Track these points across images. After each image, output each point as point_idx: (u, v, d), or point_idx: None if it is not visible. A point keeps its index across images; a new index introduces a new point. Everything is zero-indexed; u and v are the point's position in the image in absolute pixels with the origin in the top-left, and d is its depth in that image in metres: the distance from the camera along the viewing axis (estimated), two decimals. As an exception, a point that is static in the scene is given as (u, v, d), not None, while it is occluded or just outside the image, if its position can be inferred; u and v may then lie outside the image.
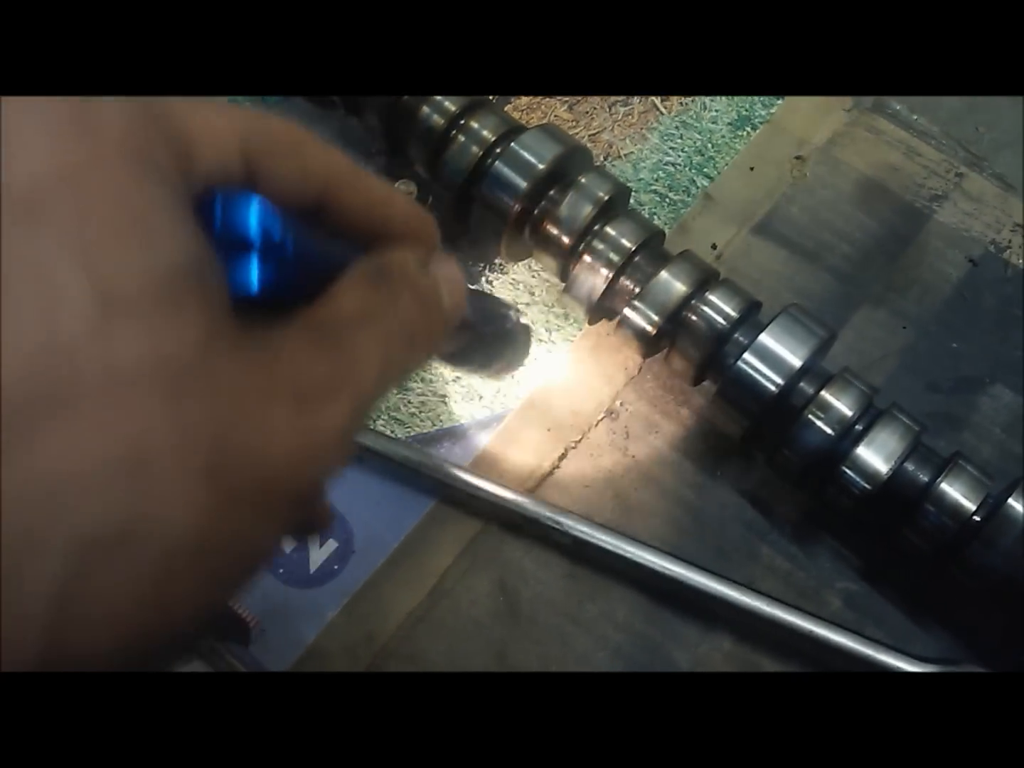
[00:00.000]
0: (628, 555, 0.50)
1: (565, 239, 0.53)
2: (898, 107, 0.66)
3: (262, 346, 0.22)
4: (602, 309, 0.54)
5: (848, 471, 0.48)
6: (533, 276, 0.60)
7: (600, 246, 0.52)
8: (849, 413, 0.48)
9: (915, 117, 0.65)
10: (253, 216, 0.23)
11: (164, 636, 0.20)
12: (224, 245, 0.23)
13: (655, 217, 0.61)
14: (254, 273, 0.23)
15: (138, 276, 0.20)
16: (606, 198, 0.53)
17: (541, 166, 0.52)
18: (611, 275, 0.52)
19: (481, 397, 0.56)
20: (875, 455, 0.47)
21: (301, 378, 0.22)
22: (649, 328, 0.51)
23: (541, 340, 0.58)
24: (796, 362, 0.48)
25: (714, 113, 0.65)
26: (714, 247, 0.61)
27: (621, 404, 0.56)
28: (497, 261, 0.60)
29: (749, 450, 0.54)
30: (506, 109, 0.65)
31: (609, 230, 0.53)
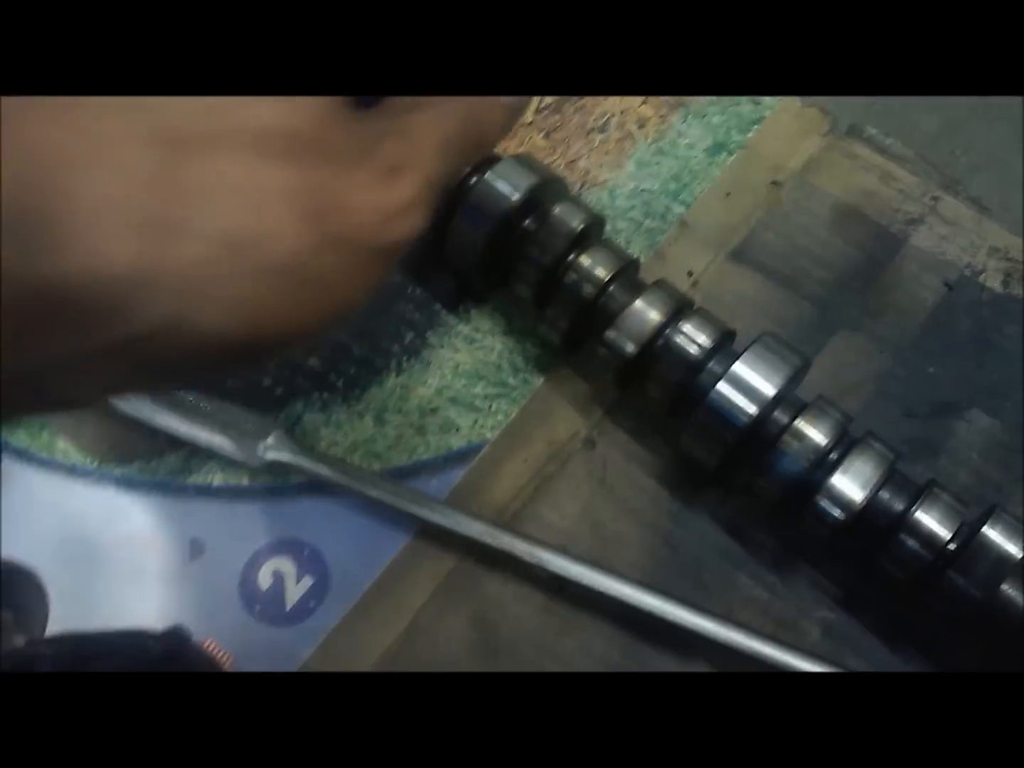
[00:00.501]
0: (605, 589, 0.50)
1: (539, 269, 0.53)
2: (873, 131, 0.66)
3: (359, 127, 0.27)
4: (578, 339, 0.54)
5: (823, 500, 0.47)
6: (510, 305, 0.60)
7: (574, 276, 0.52)
8: (824, 442, 0.48)
9: (890, 141, 0.66)
10: None
11: (251, 344, 0.25)
12: None
13: (631, 244, 0.61)
14: None
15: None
16: (580, 228, 0.53)
17: (515, 196, 0.52)
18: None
19: (458, 429, 0.56)
20: (850, 484, 0.47)
21: (382, 154, 0.27)
22: (624, 358, 0.51)
23: (518, 370, 0.58)
24: (770, 391, 0.48)
25: (690, 139, 0.65)
26: (690, 274, 0.61)
27: (598, 434, 0.56)
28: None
29: (725, 479, 0.54)
30: (482, 137, 0.65)
31: (583, 260, 0.53)
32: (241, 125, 0.24)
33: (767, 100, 0.67)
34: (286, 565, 0.53)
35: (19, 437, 0.55)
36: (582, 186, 0.63)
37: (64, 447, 0.55)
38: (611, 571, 0.51)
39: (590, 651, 0.51)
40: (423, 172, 0.29)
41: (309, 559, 0.53)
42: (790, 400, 0.50)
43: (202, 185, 0.23)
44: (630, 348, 0.51)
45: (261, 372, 0.58)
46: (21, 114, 0.22)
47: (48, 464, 0.55)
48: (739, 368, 0.49)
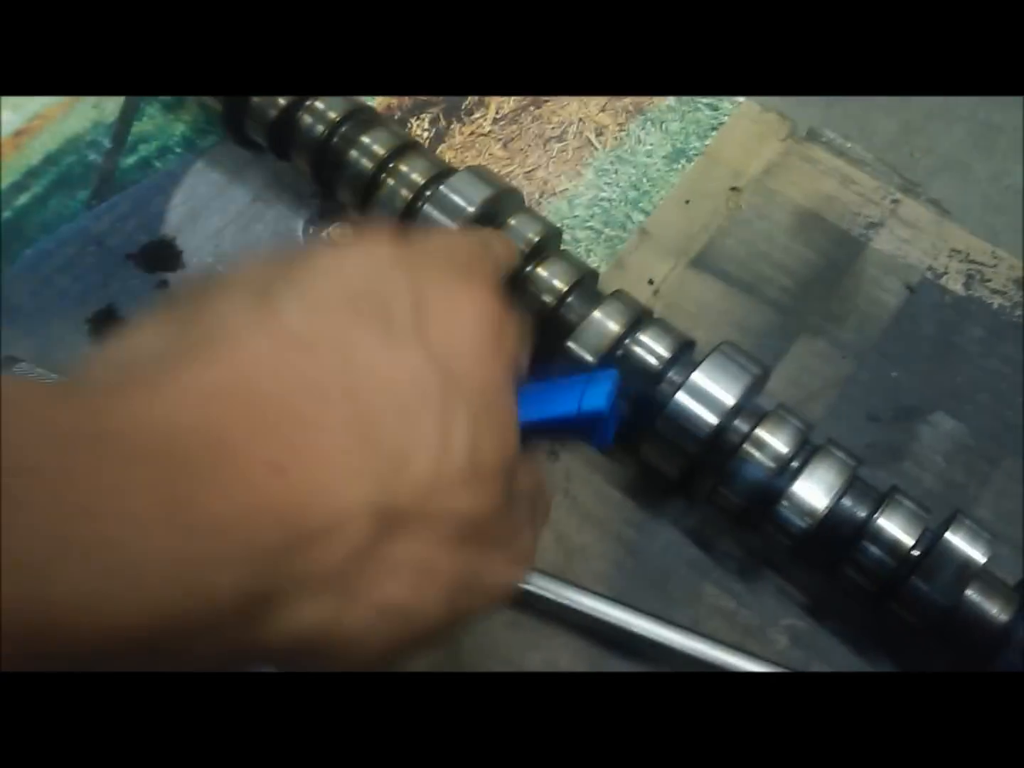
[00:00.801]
0: (571, 603, 0.50)
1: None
2: (832, 135, 0.66)
3: (512, 516, 0.31)
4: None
5: (785, 508, 0.47)
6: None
7: (532, 288, 0.52)
8: (784, 450, 0.48)
9: (849, 145, 0.66)
10: (612, 391, 0.34)
11: (408, 633, 0.28)
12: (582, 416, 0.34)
13: (591, 254, 0.61)
14: (611, 432, 0.34)
15: (492, 460, 0.29)
16: (536, 239, 0.52)
17: (471, 209, 0.52)
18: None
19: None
20: (812, 491, 0.47)
21: (518, 541, 0.32)
22: (584, 369, 0.51)
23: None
24: (729, 400, 0.48)
25: (649, 147, 0.65)
26: (651, 282, 0.60)
27: (561, 444, 0.56)
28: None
29: (689, 488, 0.54)
30: (441, 148, 0.65)
31: (541, 271, 0.52)
32: (444, 509, 0.28)
33: (725, 106, 0.67)
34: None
35: None
36: (540, 196, 0.63)
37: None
38: (576, 583, 0.50)
39: (556, 665, 0.50)
40: (532, 553, 0.34)
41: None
42: (750, 409, 0.50)
43: (392, 562, 0.26)
44: (589, 359, 0.50)
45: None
46: (257, 452, 0.24)
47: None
48: (698, 378, 0.48)
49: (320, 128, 0.56)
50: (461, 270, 0.34)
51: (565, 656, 0.51)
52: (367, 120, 0.58)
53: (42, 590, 0.20)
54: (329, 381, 0.27)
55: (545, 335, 0.52)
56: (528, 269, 0.52)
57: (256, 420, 0.25)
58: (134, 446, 0.22)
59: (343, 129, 0.57)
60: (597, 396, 0.34)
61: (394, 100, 0.67)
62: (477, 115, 0.66)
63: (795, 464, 0.48)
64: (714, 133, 0.65)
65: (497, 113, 0.66)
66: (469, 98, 0.66)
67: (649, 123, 0.66)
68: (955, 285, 0.61)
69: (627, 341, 0.50)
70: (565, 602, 0.50)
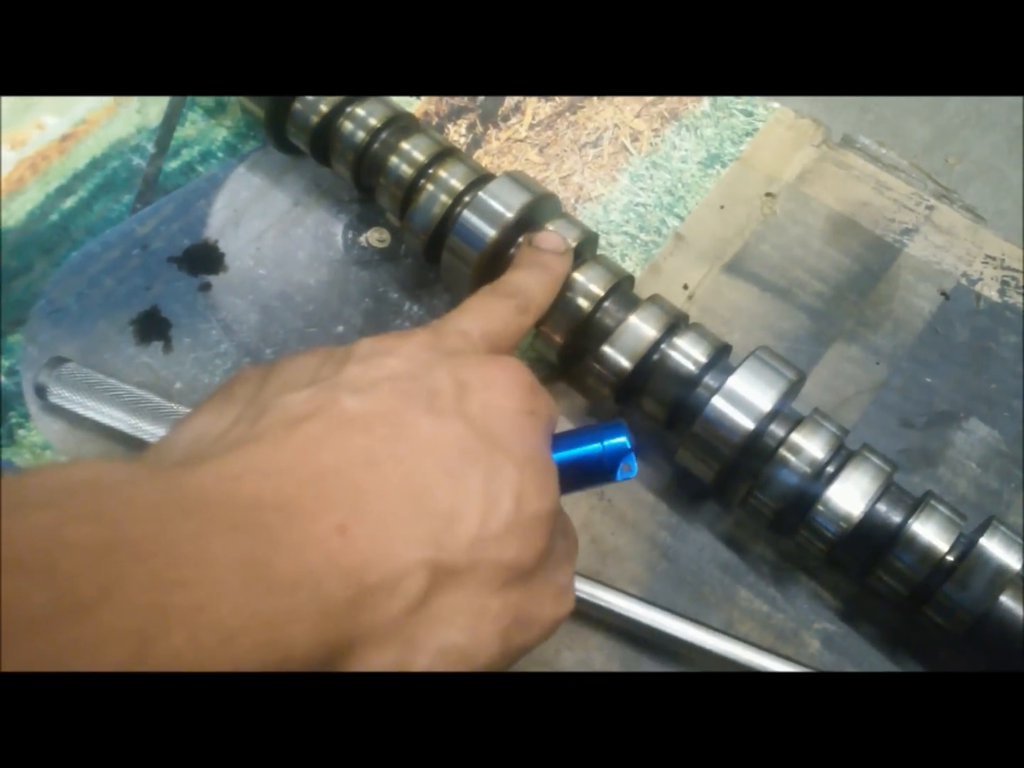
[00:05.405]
0: (605, 604, 0.50)
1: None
2: (867, 141, 0.66)
3: (554, 555, 0.34)
4: (575, 354, 0.54)
5: (820, 514, 0.48)
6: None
7: (569, 292, 0.52)
8: (820, 455, 0.48)
9: (884, 151, 0.66)
10: (627, 434, 0.40)
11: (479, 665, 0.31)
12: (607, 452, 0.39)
13: (626, 258, 0.62)
14: (635, 463, 0.40)
15: (535, 508, 0.32)
16: (574, 244, 0.53)
17: (509, 215, 0.53)
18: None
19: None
20: (847, 496, 0.47)
21: (560, 574, 0.35)
22: (620, 373, 0.51)
23: (515, 385, 0.58)
24: (765, 405, 0.48)
25: (683, 152, 0.65)
26: (686, 287, 0.61)
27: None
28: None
29: (724, 493, 0.54)
30: (477, 153, 0.65)
31: (578, 276, 0.53)
32: (493, 559, 0.31)
33: (759, 111, 0.67)
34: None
35: (22, 458, 0.56)
36: (576, 201, 0.64)
37: (65, 469, 0.56)
38: (610, 585, 0.51)
39: (590, 665, 0.51)
40: (572, 586, 0.37)
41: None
42: (786, 414, 0.50)
43: (447, 611, 0.30)
44: (626, 363, 0.51)
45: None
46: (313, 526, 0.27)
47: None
48: (734, 383, 0.49)
49: (361, 134, 0.57)
50: (491, 346, 0.40)
51: (599, 656, 0.51)
52: (407, 126, 0.58)
53: (143, 653, 0.22)
54: (382, 453, 0.30)
55: (582, 339, 0.53)
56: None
57: (320, 489, 0.28)
58: (216, 519, 0.25)
59: (383, 135, 0.57)
60: (617, 433, 0.40)
61: (431, 106, 0.67)
62: (513, 120, 0.67)
63: (830, 469, 0.48)
64: (748, 139, 0.66)
65: (533, 119, 0.66)
66: (505, 104, 0.67)
67: (684, 129, 0.66)
68: (990, 291, 0.61)
69: (663, 345, 0.51)
70: (600, 603, 0.50)
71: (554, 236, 0.51)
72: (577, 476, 0.39)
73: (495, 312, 0.42)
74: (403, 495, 0.30)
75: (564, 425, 0.57)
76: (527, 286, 0.46)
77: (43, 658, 0.20)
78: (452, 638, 0.30)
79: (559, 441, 0.39)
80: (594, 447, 0.39)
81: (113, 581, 0.22)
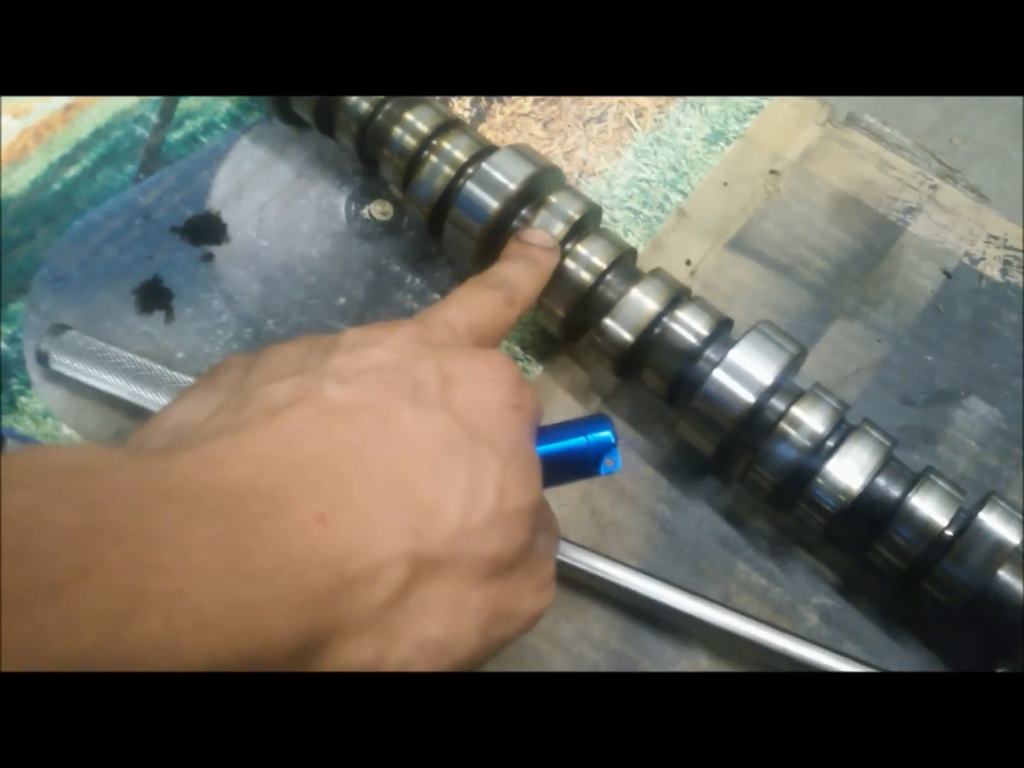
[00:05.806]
0: (604, 575, 0.50)
1: (537, 258, 0.53)
2: (871, 120, 0.66)
3: (536, 549, 0.35)
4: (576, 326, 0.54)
5: (820, 487, 0.48)
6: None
7: (572, 265, 0.52)
8: (820, 429, 0.48)
9: (888, 130, 0.66)
10: (611, 429, 0.39)
11: (453, 658, 0.31)
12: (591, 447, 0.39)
13: (629, 234, 0.62)
14: (618, 457, 0.39)
15: (518, 502, 0.32)
16: (577, 217, 0.53)
17: (512, 186, 0.52)
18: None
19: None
20: (846, 471, 0.47)
21: (541, 569, 0.35)
22: (621, 346, 0.51)
23: (516, 358, 0.58)
24: (766, 379, 0.48)
25: (688, 129, 0.65)
26: (688, 263, 0.61)
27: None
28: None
29: (723, 466, 0.55)
30: (481, 127, 0.65)
31: (581, 249, 0.53)
32: (474, 552, 0.31)
33: (765, 89, 0.67)
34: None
35: (23, 424, 0.56)
36: (580, 176, 0.64)
37: (68, 434, 0.56)
38: (610, 557, 0.51)
39: (589, 636, 0.51)
40: (553, 579, 0.37)
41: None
42: (787, 388, 0.50)
43: (428, 603, 0.30)
44: (627, 336, 0.51)
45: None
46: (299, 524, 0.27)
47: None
48: (735, 356, 0.49)
49: (364, 105, 0.57)
50: (478, 338, 0.40)
51: (597, 627, 0.51)
52: (411, 98, 0.58)
53: (118, 634, 0.22)
54: (366, 444, 0.30)
55: (584, 311, 0.53)
56: (568, 246, 0.53)
57: (302, 478, 0.28)
58: (197, 505, 0.25)
59: (387, 107, 0.57)
60: (601, 427, 0.40)
61: (436, 79, 0.67)
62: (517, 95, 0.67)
63: (830, 443, 0.49)
64: (753, 116, 0.66)
65: (538, 93, 0.66)
66: (510, 78, 0.67)
67: (689, 105, 0.66)
68: (992, 271, 0.61)
69: (665, 319, 0.51)
70: (599, 574, 0.50)
71: (541, 232, 0.51)
72: (561, 470, 0.39)
73: (482, 304, 0.42)
74: (386, 486, 0.29)
75: (564, 398, 0.57)
76: (515, 279, 0.46)
77: (19, 636, 0.20)
78: (431, 630, 0.30)
79: (543, 434, 0.39)
80: (578, 441, 0.39)
81: (91, 563, 0.22)
